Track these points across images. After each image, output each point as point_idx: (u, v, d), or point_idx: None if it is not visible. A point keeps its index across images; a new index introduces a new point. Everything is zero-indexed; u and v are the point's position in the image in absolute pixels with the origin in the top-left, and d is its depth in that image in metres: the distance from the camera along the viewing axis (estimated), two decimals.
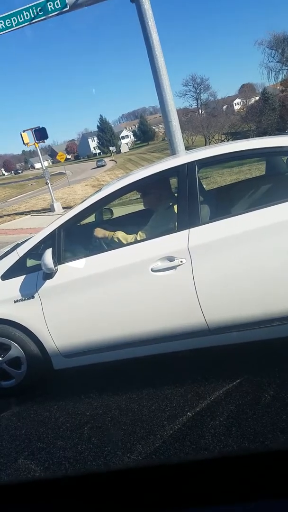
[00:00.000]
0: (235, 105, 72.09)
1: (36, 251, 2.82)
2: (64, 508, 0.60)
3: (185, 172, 2.62)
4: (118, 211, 4.01)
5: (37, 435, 2.45)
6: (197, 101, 69.11)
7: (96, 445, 2.24)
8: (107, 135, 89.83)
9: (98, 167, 60.44)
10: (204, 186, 3.83)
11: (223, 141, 44.45)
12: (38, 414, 2.67)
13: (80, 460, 2.15)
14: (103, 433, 2.33)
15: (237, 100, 73.28)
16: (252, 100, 59.21)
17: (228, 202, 3.05)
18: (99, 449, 2.20)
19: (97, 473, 0.71)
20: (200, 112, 65.46)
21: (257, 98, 55.61)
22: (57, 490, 0.65)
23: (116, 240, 2.85)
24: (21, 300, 2.72)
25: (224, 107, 67.21)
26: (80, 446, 2.26)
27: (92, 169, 59.18)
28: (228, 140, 42.51)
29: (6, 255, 3.02)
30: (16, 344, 2.78)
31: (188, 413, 2.29)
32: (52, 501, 0.62)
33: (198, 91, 68.80)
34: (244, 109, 58.51)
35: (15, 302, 2.73)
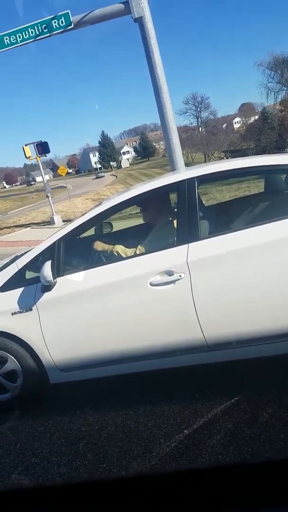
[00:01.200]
0: (235, 123, 73.21)
1: (35, 264, 2.82)
2: None
3: (185, 187, 2.64)
4: (118, 225, 4.03)
5: (32, 450, 2.41)
6: (197, 119, 70.16)
7: (91, 461, 2.20)
8: (108, 151, 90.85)
9: (97, 178, 67.40)
10: (204, 202, 3.86)
11: (223, 158, 44.97)
12: (33, 428, 2.62)
13: (74, 477, 2.11)
14: (99, 449, 2.29)
15: (237, 119, 74.45)
16: (252, 119, 60.19)
17: (227, 218, 3.07)
18: (94, 466, 2.16)
19: (96, 481, 0.71)
20: (200, 130, 66.38)
21: (257, 117, 56.54)
22: (54, 498, 0.64)
23: (116, 253, 2.86)
24: (19, 312, 2.71)
25: (224, 125, 68.23)
26: (75, 463, 2.22)
27: (93, 179, 66.58)
28: (227, 158, 43.00)
29: (5, 267, 3.02)
30: (12, 357, 2.75)
31: (185, 431, 2.26)
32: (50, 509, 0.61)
33: (198, 109, 69.91)
34: (244, 127, 59.42)
35: (12, 314, 2.72)
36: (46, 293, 2.65)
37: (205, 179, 2.85)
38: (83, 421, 2.58)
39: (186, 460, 2.05)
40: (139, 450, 2.19)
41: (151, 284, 2.49)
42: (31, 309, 2.68)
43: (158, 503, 0.59)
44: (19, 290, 2.75)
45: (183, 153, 9.41)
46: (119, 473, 2.06)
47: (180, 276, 2.45)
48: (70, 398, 2.85)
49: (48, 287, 2.63)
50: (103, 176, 69.08)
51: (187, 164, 9.36)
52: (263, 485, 0.58)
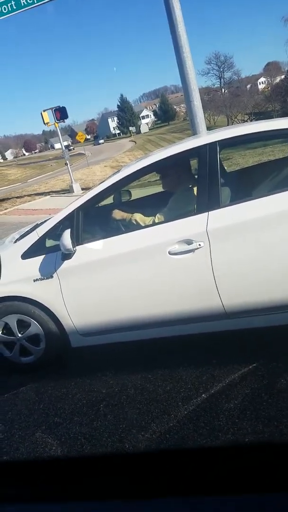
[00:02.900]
0: (260, 84, 69.76)
1: (55, 232, 2.84)
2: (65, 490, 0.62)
3: (206, 153, 2.56)
4: (137, 193, 3.98)
5: (54, 410, 2.53)
6: (220, 80, 66.98)
7: (111, 422, 2.29)
8: (127, 115, 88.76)
9: (95, 145, 65.86)
10: (225, 167, 3.75)
11: (246, 121, 43.24)
12: (55, 390, 2.74)
13: (95, 436, 2.21)
14: (119, 411, 2.38)
15: (262, 79, 70.88)
16: (278, 79, 57.15)
17: (250, 184, 2.98)
18: (114, 426, 2.25)
19: (103, 455, 0.73)
20: (223, 91, 63.57)
21: (283, 77, 53.60)
22: (60, 469, 0.66)
23: (134, 222, 2.84)
24: (40, 279, 2.76)
25: (248, 86, 65.18)
26: (96, 423, 2.32)
27: (92, 146, 64.84)
28: (251, 121, 41.32)
29: (26, 235, 3.06)
30: (35, 322, 2.84)
31: (203, 395, 2.31)
32: (55, 479, 0.64)
33: (221, 69, 66.55)
34: (269, 88, 56.56)
35: (34, 281, 2.78)
36: (66, 261, 2.69)
37: (227, 143, 2.75)
38: (103, 383, 2.67)
39: (204, 423, 2.11)
40: (158, 412, 2.27)
41: (170, 253, 2.48)
42: (52, 276, 2.73)
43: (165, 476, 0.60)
44: (40, 258, 2.79)
45: (205, 116, 9.08)
46: (135, 435, 2.14)
47: (200, 245, 2.42)
48: (91, 361, 2.94)
49: (68, 255, 2.66)
50: (102, 142, 70.03)
51: (209, 128, 9.03)
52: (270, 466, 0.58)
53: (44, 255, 2.80)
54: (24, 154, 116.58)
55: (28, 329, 2.87)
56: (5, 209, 14.47)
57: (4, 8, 9.33)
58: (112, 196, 3.31)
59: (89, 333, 2.80)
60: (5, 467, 0.70)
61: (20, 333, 2.90)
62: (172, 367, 2.63)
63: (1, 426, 2.47)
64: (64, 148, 17.13)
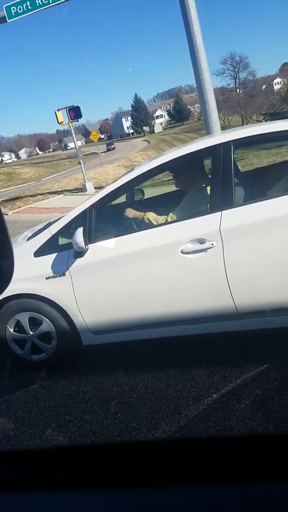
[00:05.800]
0: (275, 84, 69.11)
1: (68, 230, 2.85)
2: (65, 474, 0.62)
3: (220, 152, 2.55)
4: (150, 192, 3.98)
5: (65, 408, 2.54)
6: (235, 80, 66.44)
7: (122, 420, 2.30)
8: (141, 115, 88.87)
9: (108, 150, 59.28)
10: (239, 168, 3.72)
11: (261, 121, 42.82)
12: (66, 387, 2.75)
13: (106, 434, 2.21)
14: (129, 409, 2.38)
15: (278, 80, 70.25)
16: None
17: (264, 184, 2.95)
18: (124, 425, 2.25)
19: (100, 445, 0.72)
20: (238, 91, 63.04)
21: None
22: (60, 459, 0.66)
23: (147, 221, 2.84)
24: (53, 277, 2.78)
25: (263, 86, 64.56)
26: (106, 421, 2.32)
27: (101, 152, 51.51)
28: (266, 121, 40.91)
29: (39, 233, 3.08)
30: (47, 319, 2.86)
31: (214, 395, 2.30)
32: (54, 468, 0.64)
33: (236, 69, 66.04)
34: (285, 89, 55.96)
35: (46, 278, 2.79)
36: (78, 259, 2.70)
37: (241, 143, 2.72)
38: (114, 381, 2.67)
39: (214, 422, 2.10)
40: (168, 412, 2.26)
41: (182, 252, 2.47)
42: (64, 274, 2.75)
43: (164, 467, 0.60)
44: (53, 256, 2.81)
45: (219, 116, 9.03)
46: (146, 434, 2.14)
47: (212, 244, 2.41)
48: (102, 359, 2.94)
49: (80, 253, 2.67)
50: (114, 148, 61.79)
51: (223, 128, 8.97)
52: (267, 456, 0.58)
53: (56, 253, 2.81)
54: (38, 153, 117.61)
55: (39, 327, 2.89)
56: (18, 207, 14.60)
57: (20, 8, 9.46)
58: (125, 195, 3.31)
59: (100, 331, 2.81)
60: (6, 457, 0.71)
61: (31, 331, 2.92)
62: (183, 366, 2.62)
63: (11, 424, 2.50)
64: (77, 148, 17.22)
